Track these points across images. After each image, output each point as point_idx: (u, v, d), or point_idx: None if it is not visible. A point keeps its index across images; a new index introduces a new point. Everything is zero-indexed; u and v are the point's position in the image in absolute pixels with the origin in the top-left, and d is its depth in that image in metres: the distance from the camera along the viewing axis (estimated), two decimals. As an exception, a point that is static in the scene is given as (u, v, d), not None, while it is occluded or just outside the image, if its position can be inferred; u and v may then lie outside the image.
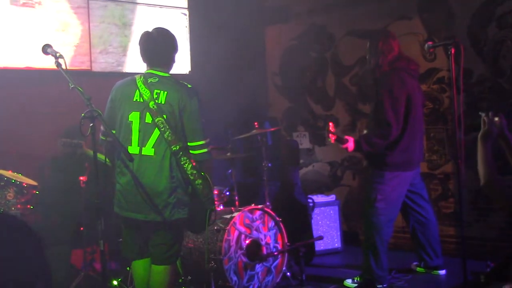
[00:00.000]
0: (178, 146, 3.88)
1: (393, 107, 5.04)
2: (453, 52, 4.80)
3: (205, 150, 3.99)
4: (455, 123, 4.58)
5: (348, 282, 5.41)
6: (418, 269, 5.70)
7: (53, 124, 5.53)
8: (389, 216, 5.22)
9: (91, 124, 3.66)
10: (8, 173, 4.84)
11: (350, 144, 5.22)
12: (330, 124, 5.30)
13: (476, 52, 6.20)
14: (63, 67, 3.75)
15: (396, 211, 5.33)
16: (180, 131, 3.93)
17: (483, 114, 3.47)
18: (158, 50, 4.08)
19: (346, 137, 5.27)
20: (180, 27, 7.13)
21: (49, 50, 3.84)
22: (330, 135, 5.23)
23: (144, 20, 6.73)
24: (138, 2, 6.77)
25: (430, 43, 5.09)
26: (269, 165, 5.82)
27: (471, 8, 6.23)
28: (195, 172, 3.96)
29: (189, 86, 4.05)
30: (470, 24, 6.25)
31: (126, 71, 6.38)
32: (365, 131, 5.39)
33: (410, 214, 5.54)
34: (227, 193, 5.74)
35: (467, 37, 6.23)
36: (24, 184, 4.74)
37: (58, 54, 3.80)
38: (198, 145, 3.96)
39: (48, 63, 4.02)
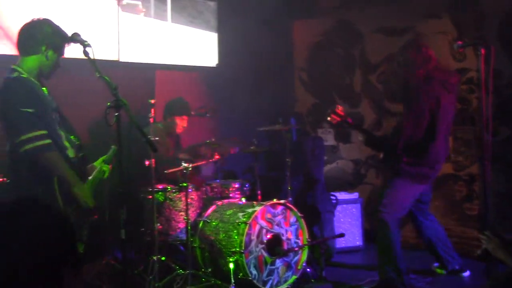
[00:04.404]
0: None
1: (418, 120, 4.94)
2: (483, 52, 4.72)
3: None
4: (483, 125, 4.52)
5: None
6: (438, 270, 5.64)
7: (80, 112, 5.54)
8: (396, 219, 5.16)
9: (116, 114, 3.68)
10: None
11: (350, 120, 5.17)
12: (339, 106, 5.23)
13: (507, 53, 6.13)
14: (91, 56, 3.76)
15: (402, 213, 5.26)
16: None
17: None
18: None
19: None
20: (208, 19, 7.14)
21: (78, 38, 3.86)
22: (333, 115, 5.14)
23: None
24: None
25: (459, 42, 5.00)
26: (293, 161, 5.81)
27: (502, 9, 6.16)
28: None
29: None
30: (501, 25, 6.18)
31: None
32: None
33: (419, 222, 5.48)
34: (247, 186, 5.73)
35: (497, 38, 6.17)
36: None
37: (86, 43, 3.82)
38: None
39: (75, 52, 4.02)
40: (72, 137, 3.96)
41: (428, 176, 5.20)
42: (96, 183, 3.98)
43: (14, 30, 5.33)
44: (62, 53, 3.90)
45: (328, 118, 5.19)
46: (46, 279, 1.49)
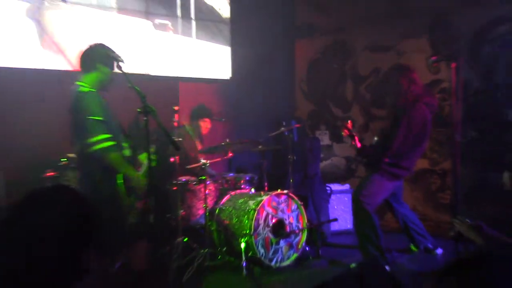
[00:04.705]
0: None
1: (405, 138, 4.91)
2: (453, 66, 4.73)
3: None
4: (454, 127, 4.53)
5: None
6: (412, 248, 5.62)
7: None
8: (374, 206, 5.11)
9: (145, 118, 3.75)
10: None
11: (359, 144, 5.14)
12: (349, 121, 5.24)
13: (474, 67, 6.12)
14: (124, 69, 3.84)
15: (378, 202, 5.18)
16: None
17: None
18: None
19: (357, 139, 5.18)
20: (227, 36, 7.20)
21: (114, 55, 3.93)
22: (345, 129, 5.17)
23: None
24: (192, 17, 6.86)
25: (433, 58, 5.01)
26: (295, 158, 5.84)
27: (471, 29, 6.16)
28: None
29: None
30: (469, 43, 6.18)
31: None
32: (375, 138, 5.27)
33: (394, 210, 5.46)
34: (256, 179, 5.78)
35: (467, 54, 6.16)
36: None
37: (119, 59, 3.89)
38: None
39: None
40: (124, 139, 4.04)
41: (403, 176, 5.17)
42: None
43: (65, 45, 5.41)
44: (112, 68, 3.98)
45: (341, 132, 5.19)
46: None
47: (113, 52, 3.96)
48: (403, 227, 5.53)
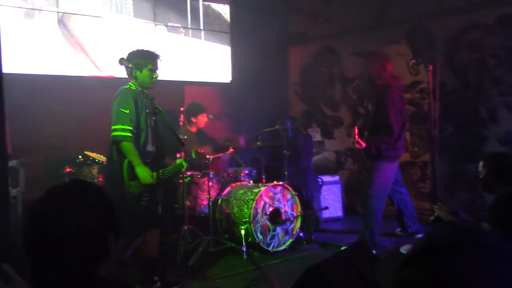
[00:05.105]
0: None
1: (396, 116, 4.92)
2: (431, 68, 4.70)
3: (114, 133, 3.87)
4: (432, 124, 4.50)
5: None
6: (399, 232, 5.61)
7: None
8: (382, 196, 5.13)
9: (153, 118, 3.71)
10: (94, 154, 4.91)
11: (364, 144, 5.09)
12: (355, 128, 5.18)
13: (450, 69, 6.07)
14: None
15: (387, 191, 5.22)
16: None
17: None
18: None
19: (361, 142, 5.13)
20: (223, 47, 7.16)
21: (123, 61, 3.89)
22: (356, 144, 5.08)
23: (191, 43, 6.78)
24: (193, 27, 6.81)
25: (413, 61, 4.98)
26: (289, 153, 5.80)
27: (446, 35, 6.11)
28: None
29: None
30: (445, 47, 6.12)
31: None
32: (365, 133, 5.22)
33: (393, 194, 5.44)
34: (254, 172, 5.73)
35: (443, 57, 6.10)
36: (104, 163, 4.79)
37: (130, 65, 3.86)
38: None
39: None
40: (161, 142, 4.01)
41: (398, 155, 5.16)
42: (172, 171, 4.21)
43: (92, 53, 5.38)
44: (141, 70, 3.97)
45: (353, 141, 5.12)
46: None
47: (123, 58, 3.95)
48: (396, 211, 5.50)
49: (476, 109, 5.88)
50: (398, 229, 5.66)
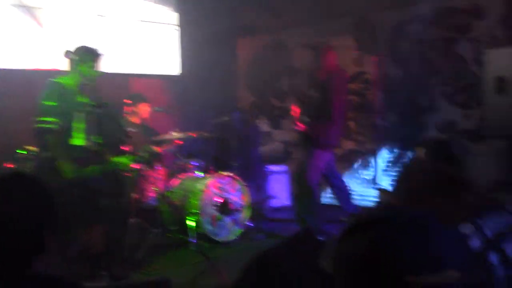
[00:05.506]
0: None
1: (338, 106, 5.01)
2: (375, 60, 4.80)
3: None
4: (376, 112, 4.61)
5: None
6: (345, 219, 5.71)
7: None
8: (317, 180, 5.21)
9: (98, 111, 3.65)
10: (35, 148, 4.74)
11: (302, 127, 5.16)
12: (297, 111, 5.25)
13: (393, 60, 6.23)
14: None
15: (320, 175, 5.27)
16: None
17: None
18: None
19: (300, 124, 5.19)
20: (172, 39, 7.07)
21: (70, 55, 3.88)
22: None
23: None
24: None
25: (356, 52, 5.08)
26: (238, 143, 5.82)
27: (387, 28, 6.26)
28: None
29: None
30: (388, 39, 6.27)
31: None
32: (306, 119, 5.28)
33: (330, 180, 5.53)
34: (202, 164, 5.70)
35: (385, 49, 6.25)
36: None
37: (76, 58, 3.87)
38: None
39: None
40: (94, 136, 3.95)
41: (334, 145, 5.26)
42: (109, 168, 4.16)
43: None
44: (85, 64, 3.95)
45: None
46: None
47: (70, 52, 3.95)
48: (336, 197, 5.59)
49: (416, 98, 6.06)
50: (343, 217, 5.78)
